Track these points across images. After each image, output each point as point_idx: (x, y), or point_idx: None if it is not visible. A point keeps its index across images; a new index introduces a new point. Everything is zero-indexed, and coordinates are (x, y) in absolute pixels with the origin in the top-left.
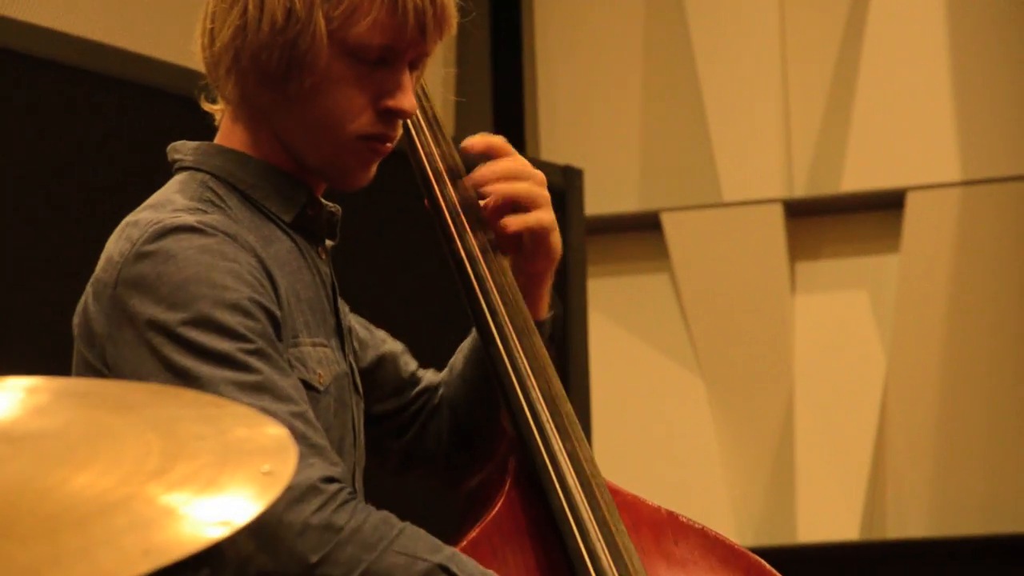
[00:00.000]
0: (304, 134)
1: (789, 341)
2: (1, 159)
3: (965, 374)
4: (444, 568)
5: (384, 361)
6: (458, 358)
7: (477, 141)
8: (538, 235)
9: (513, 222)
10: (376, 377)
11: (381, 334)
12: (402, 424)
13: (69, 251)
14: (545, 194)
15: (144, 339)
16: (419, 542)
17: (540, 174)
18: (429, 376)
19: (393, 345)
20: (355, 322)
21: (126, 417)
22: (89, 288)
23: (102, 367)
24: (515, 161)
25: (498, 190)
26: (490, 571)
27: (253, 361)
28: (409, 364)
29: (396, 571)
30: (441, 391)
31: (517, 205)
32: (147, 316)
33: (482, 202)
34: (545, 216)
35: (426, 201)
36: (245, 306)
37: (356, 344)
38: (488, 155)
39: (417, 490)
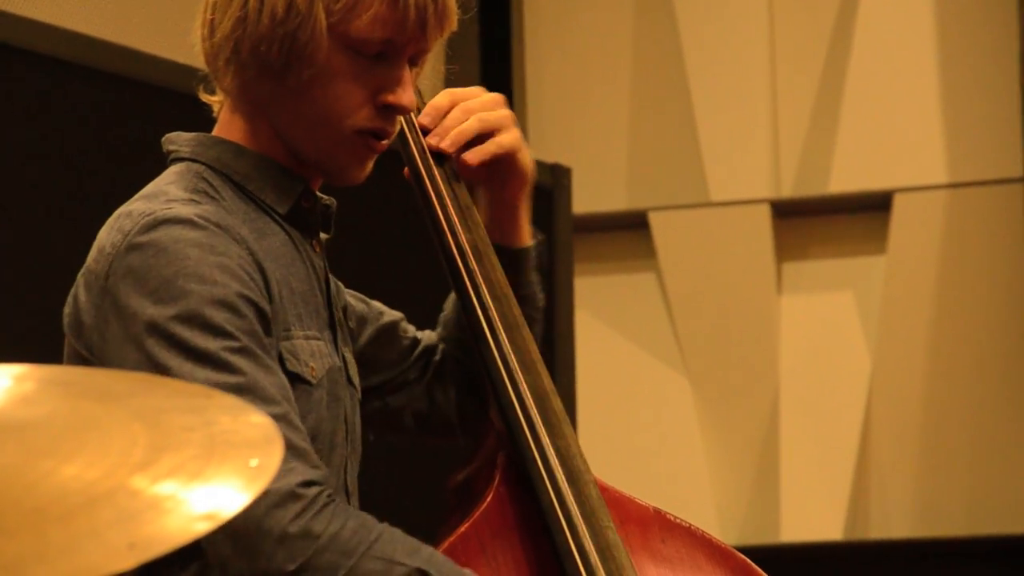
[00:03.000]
0: (301, 127)
1: (775, 341)
2: None
3: (950, 375)
4: (422, 572)
5: (384, 333)
6: (448, 314)
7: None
8: (501, 160)
9: (471, 156)
10: (377, 350)
11: (378, 306)
12: (405, 383)
13: (60, 242)
14: (502, 115)
15: (130, 333)
16: (397, 546)
17: (493, 97)
18: (428, 336)
19: (391, 315)
20: (351, 298)
21: (112, 407)
22: (80, 279)
23: (91, 358)
24: (459, 98)
25: (451, 141)
26: (467, 570)
27: (237, 360)
28: (408, 330)
29: None
30: (441, 347)
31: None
32: (134, 309)
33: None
34: (505, 139)
35: (418, 194)
36: (233, 302)
37: (353, 323)
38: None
39: (405, 485)
